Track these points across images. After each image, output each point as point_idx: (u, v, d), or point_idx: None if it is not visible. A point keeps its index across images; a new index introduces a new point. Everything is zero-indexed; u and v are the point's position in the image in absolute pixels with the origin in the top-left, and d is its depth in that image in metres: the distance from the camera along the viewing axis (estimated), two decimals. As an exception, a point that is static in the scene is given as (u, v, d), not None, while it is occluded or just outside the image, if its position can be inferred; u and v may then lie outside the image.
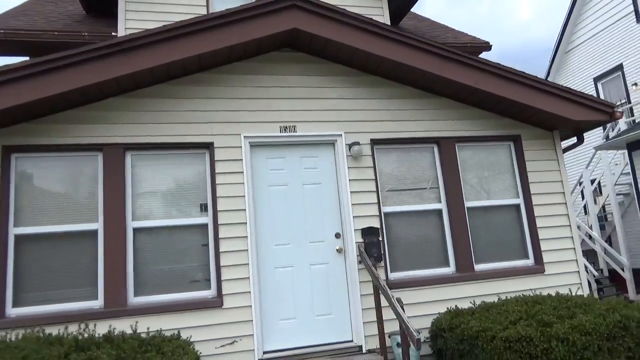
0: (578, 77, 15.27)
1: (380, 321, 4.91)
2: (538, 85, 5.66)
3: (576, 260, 5.92)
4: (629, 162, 11.10)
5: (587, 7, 15.02)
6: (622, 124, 12.40)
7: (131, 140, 5.02)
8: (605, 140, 12.41)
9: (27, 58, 7.33)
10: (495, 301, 5.02)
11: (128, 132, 5.02)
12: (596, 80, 14.63)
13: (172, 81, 5.22)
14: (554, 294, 5.09)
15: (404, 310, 4.39)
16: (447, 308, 5.14)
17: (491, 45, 8.46)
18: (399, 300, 4.55)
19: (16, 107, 4.41)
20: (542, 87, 5.67)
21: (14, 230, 4.66)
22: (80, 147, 4.93)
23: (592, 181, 12.42)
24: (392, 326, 4.88)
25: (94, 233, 4.84)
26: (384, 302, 4.80)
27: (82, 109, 4.96)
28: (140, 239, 4.95)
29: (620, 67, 14.12)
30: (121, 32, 6.95)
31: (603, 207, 13.08)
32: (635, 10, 13.57)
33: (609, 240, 12.46)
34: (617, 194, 11.94)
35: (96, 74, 4.56)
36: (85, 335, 3.82)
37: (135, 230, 4.93)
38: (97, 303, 4.71)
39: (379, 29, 5.31)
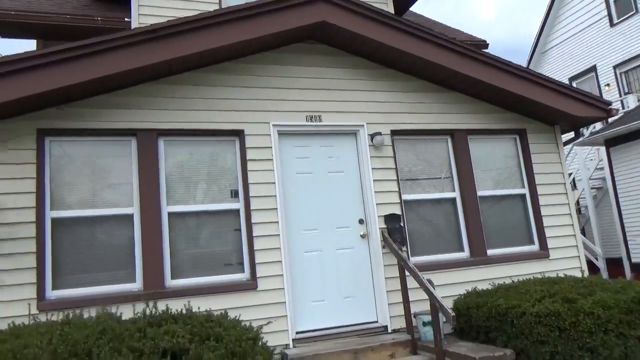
0: (554, 77, 15.99)
1: (406, 301, 5.19)
2: (545, 82, 6.05)
3: (577, 246, 6.37)
4: (603, 158, 11.83)
5: (564, 10, 15.76)
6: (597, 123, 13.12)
7: (164, 126, 5.09)
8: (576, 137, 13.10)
9: (33, 41, 7.22)
10: (506, 283, 5.38)
11: (161, 118, 5.09)
12: (571, 80, 15.39)
13: (203, 69, 5.31)
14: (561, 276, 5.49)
15: (435, 289, 4.69)
16: (465, 290, 5.47)
17: (488, 44, 8.85)
18: (429, 281, 4.84)
19: (52, 90, 4.43)
20: (548, 85, 6.06)
21: (50, 214, 4.66)
22: (114, 132, 4.97)
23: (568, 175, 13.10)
24: (416, 307, 5.17)
25: (130, 217, 4.90)
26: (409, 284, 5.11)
27: (115, 94, 4.99)
28: (175, 224, 5.04)
29: (594, 69, 14.93)
30: (135, 18, 6.91)
31: (577, 200, 13.84)
32: (609, 14, 14.37)
33: (582, 232, 13.22)
34: (591, 188, 12.67)
35: (134, 60, 4.62)
36: (138, 314, 3.90)
37: (170, 214, 5.01)
38: (136, 286, 4.79)
39: (403, 25, 5.56)
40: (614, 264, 11.42)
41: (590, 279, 4.97)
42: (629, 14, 13.76)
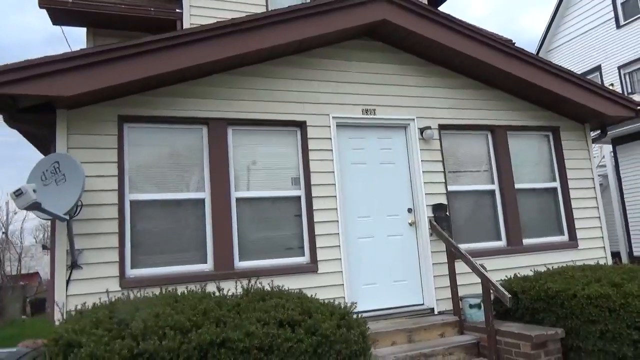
0: (560, 75, 16.46)
1: (454, 285, 5.56)
2: (582, 82, 6.43)
3: (602, 237, 6.81)
4: (606, 155, 12.34)
5: (572, 10, 16.20)
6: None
7: (233, 116, 5.34)
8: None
9: (84, 29, 7.36)
10: (543, 270, 5.77)
11: (230, 108, 5.34)
12: (577, 79, 15.83)
13: (269, 61, 5.56)
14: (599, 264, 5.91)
15: (487, 273, 5.06)
16: (506, 276, 5.85)
17: (514, 43, 9.18)
18: (482, 265, 5.22)
19: (135, 80, 4.66)
20: (584, 84, 6.44)
21: (129, 197, 4.91)
22: (187, 120, 5.21)
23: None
24: (461, 291, 5.54)
25: (202, 201, 5.17)
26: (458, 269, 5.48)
27: (189, 84, 5.22)
28: (242, 209, 5.32)
29: (598, 68, 15.42)
30: (186, 9, 7.12)
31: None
32: (616, 16, 14.84)
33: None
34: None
35: (217, 51, 4.88)
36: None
37: (238, 200, 5.29)
38: (207, 266, 5.07)
39: (456, 24, 5.87)
40: (613, 257, 11.98)
41: (629, 266, 5.39)
42: (636, 17, 14.24)
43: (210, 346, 2.89)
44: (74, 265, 4.52)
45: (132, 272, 4.81)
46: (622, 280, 4.68)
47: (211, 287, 4.59)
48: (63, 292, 4.48)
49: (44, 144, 5.75)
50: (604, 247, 6.80)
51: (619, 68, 14.71)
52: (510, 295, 4.73)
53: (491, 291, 4.98)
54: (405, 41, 6.02)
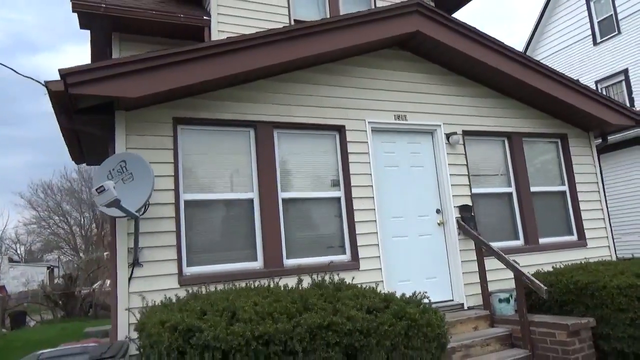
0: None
1: (484, 281, 5.90)
2: (590, 93, 6.96)
3: (607, 237, 7.32)
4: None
5: (551, 27, 17.14)
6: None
7: (278, 119, 5.56)
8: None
9: (112, 34, 7.42)
10: (562, 266, 6.20)
11: (275, 112, 5.56)
12: (557, 92, 16.71)
13: (311, 68, 5.81)
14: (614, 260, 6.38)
15: (520, 266, 5.43)
16: (527, 272, 6.22)
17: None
18: (515, 261, 5.58)
19: (191, 84, 4.84)
20: (592, 95, 6.97)
21: (183, 196, 5.04)
22: (236, 123, 5.40)
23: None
24: (489, 286, 5.88)
25: (250, 201, 5.35)
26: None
27: (237, 88, 5.41)
28: (287, 209, 5.51)
29: (577, 82, 16.26)
30: (214, 17, 7.31)
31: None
32: (593, 34, 15.80)
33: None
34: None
35: (271, 57, 5.12)
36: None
37: (283, 200, 5.49)
38: (257, 264, 5.24)
39: (480, 36, 6.29)
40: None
41: (642, 261, 5.88)
42: (612, 35, 15.22)
43: (319, 329, 3.10)
44: (135, 263, 4.62)
45: (188, 270, 4.93)
46: (645, 272, 5.13)
47: (261, 283, 4.79)
48: (125, 289, 4.56)
49: (93, 144, 5.81)
50: (609, 246, 7.32)
51: (596, 83, 15.62)
52: (546, 287, 5.10)
53: (526, 284, 5.33)
54: (432, 52, 6.39)
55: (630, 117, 7.27)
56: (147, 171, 4.39)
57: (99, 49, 7.78)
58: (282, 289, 4.10)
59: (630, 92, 14.72)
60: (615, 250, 7.38)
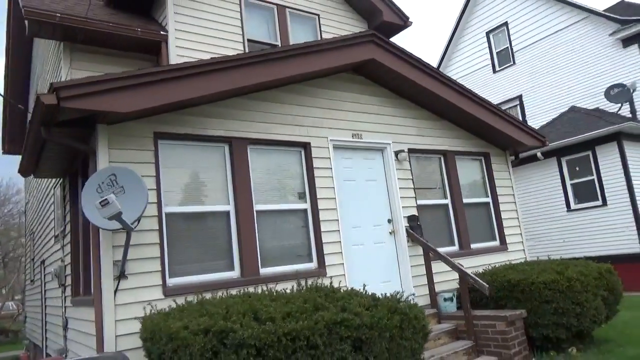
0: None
1: (431, 282, 6.66)
2: (509, 118, 8.13)
3: (522, 242, 8.53)
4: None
5: (458, 54, 19.05)
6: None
7: (251, 136, 5.87)
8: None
9: (61, 44, 7.21)
10: (489, 268, 7.17)
11: (248, 129, 5.87)
12: (463, 113, 18.57)
13: (279, 88, 6.20)
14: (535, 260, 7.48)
15: (464, 268, 6.24)
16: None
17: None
18: (460, 264, 6.39)
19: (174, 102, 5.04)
20: (511, 120, 8.15)
21: (165, 209, 5.16)
22: (212, 139, 5.62)
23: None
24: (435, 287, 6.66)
25: (227, 213, 5.59)
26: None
27: (213, 105, 5.65)
28: (260, 220, 5.82)
29: (480, 105, 18.20)
30: (171, 32, 7.41)
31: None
32: (492, 63, 17.86)
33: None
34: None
35: (248, 77, 5.45)
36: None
37: (257, 212, 5.79)
38: (235, 273, 5.48)
39: (425, 66, 7.13)
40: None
41: (557, 260, 6.97)
42: (508, 64, 17.35)
43: (334, 325, 3.51)
44: (121, 276, 4.66)
45: (171, 281, 5.05)
46: (562, 270, 6.18)
47: (235, 292, 5.06)
48: (111, 301, 4.59)
49: (56, 157, 5.68)
50: (524, 249, 8.52)
51: (496, 106, 17.61)
52: (488, 286, 5.94)
53: (470, 283, 6.14)
54: (383, 77, 7.11)
55: (539, 140, 8.58)
56: (140, 184, 4.50)
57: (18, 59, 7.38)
58: (282, 293, 4.43)
59: (524, 115, 16.83)
60: (526, 253, 8.56)
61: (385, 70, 6.93)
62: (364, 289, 4.69)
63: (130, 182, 4.49)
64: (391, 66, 6.83)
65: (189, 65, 5.01)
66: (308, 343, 3.37)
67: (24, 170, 6.49)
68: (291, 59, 5.79)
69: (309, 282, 5.07)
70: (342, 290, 4.52)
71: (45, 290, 9.22)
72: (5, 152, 14.44)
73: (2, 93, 12.36)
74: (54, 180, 8.12)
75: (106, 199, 3.93)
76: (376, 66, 6.86)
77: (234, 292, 5.13)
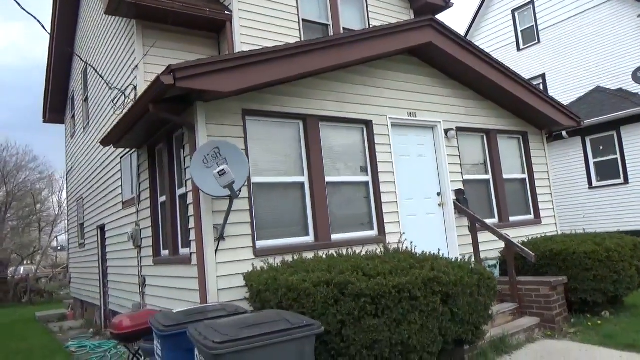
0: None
1: (477, 250, 7.28)
2: (548, 99, 8.59)
3: (554, 216, 9.11)
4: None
5: (482, 31, 19.26)
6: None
7: (322, 113, 6.39)
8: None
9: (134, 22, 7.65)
10: (529, 239, 7.76)
11: (319, 107, 6.39)
12: (485, 90, 18.92)
13: (348, 69, 6.69)
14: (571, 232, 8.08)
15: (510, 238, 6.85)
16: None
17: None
18: (506, 234, 6.99)
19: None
20: (549, 101, 8.61)
21: (253, 179, 5.73)
22: (289, 115, 6.15)
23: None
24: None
25: (302, 184, 6.16)
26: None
27: (290, 85, 6.15)
28: (329, 191, 6.40)
29: (502, 83, 18.53)
30: (235, 12, 7.83)
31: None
32: (517, 41, 18.11)
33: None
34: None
35: (324, 60, 5.95)
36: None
37: (328, 183, 6.36)
38: (310, 239, 6.09)
39: (475, 49, 7.57)
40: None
41: (592, 233, 7.57)
42: (532, 43, 17.61)
43: (429, 280, 4.13)
44: (220, 238, 5.27)
45: (259, 243, 5.66)
46: (601, 241, 6.78)
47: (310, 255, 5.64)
48: (213, 260, 5.21)
49: (153, 130, 6.23)
50: (555, 223, 9.11)
51: (519, 84, 17.95)
52: (534, 254, 6.55)
53: (517, 251, 6.75)
54: (436, 59, 7.56)
55: (575, 120, 9.06)
56: (241, 157, 5.06)
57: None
58: (370, 254, 5.05)
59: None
60: (557, 227, 9.16)
61: (440, 53, 7.38)
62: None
63: (232, 155, 5.04)
64: (447, 49, 7.28)
65: (278, 48, 5.49)
66: (410, 295, 3.99)
67: (107, 142, 7.04)
68: (358, 43, 6.26)
69: (371, 248, 5.67)
70: (419, 254, 5.11)
71: (106, 253, 9.87)
72: (46, 121, 14.98)
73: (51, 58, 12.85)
74: (117, 151, 8.67)
75: (223, 169, 4.49)
76: (432, 49, 7.30)
77: (310, 255, 5.72)
